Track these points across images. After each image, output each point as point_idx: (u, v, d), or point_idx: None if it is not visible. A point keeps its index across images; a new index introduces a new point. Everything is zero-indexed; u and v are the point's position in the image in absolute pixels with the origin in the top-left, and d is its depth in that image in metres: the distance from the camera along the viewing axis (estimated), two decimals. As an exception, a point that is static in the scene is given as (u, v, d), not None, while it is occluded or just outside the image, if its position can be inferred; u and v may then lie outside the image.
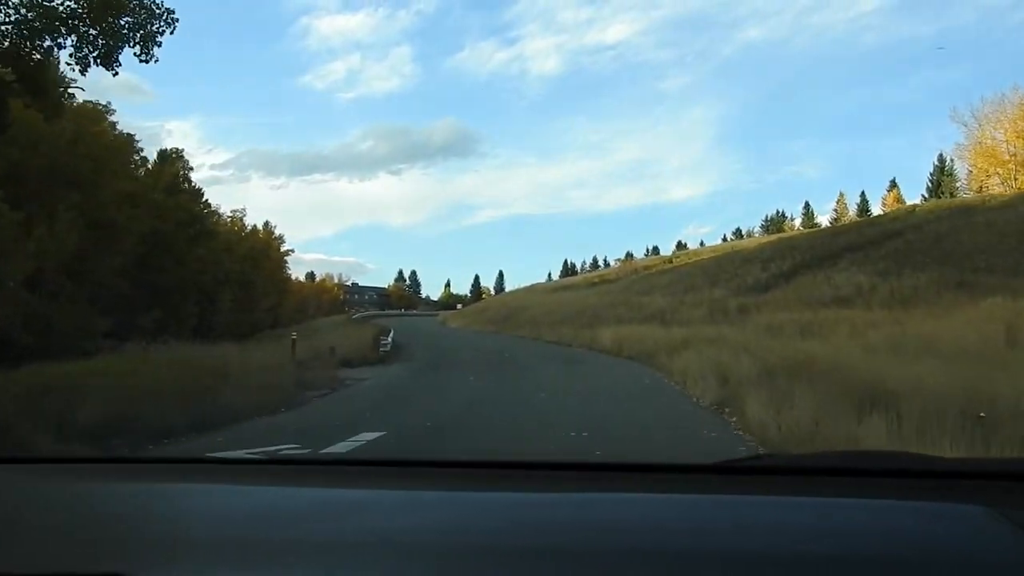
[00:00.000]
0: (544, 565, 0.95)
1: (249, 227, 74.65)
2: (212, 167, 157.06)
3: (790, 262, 34.95)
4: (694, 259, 59.02)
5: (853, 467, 1.38)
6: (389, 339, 30.59)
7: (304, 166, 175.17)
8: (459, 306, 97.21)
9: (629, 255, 75.08)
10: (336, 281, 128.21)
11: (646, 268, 64.25)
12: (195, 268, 42.05)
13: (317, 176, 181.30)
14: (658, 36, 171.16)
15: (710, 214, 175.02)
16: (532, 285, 72.28)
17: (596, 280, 64.21)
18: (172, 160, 42.66)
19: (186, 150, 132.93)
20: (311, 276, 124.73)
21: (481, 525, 1.12)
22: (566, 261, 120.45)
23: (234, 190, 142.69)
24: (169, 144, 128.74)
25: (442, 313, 66.72)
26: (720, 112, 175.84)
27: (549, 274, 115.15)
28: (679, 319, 29.03)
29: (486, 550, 1.00)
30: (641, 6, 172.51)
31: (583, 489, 1.33)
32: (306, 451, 6.34)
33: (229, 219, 72.85)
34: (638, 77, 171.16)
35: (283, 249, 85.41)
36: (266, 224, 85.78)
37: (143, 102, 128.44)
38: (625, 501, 1.24)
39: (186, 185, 44.88)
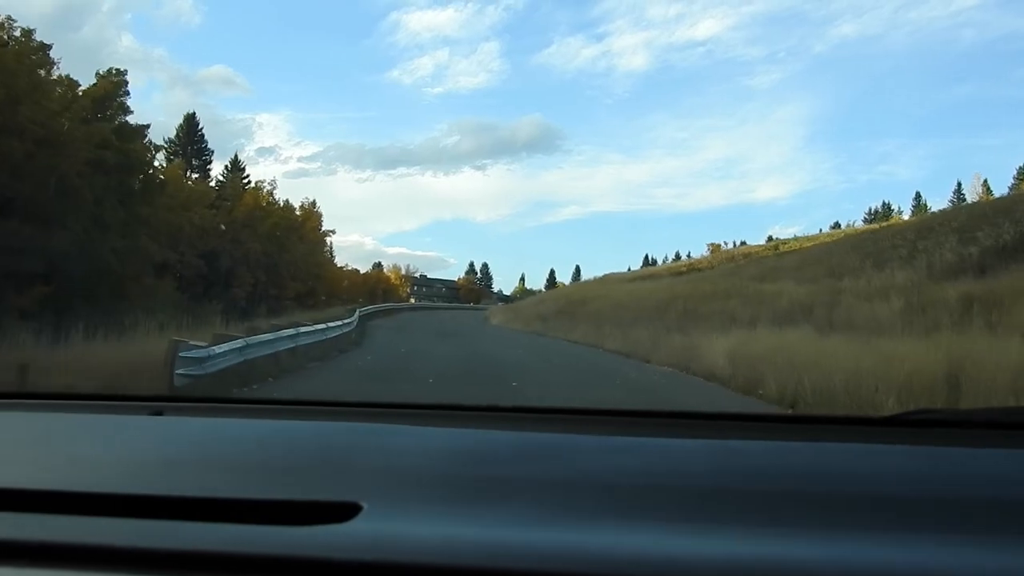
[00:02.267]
0: (716, 504, 0.99)
1: (280, 202, 63.42)
2: (300, 160, 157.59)
3: (1011, 231, 21.22)
4: (812, 243, 44.69)
5: (1016, 421, 1.39)
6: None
7: (389, 160, 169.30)
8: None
9: (718, 245, 60.68)
10: (404, 272, 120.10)
11: (745, 256, 50.05)
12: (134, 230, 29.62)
13: (402, 170, 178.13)
14: (749, 32, 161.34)
15: (797, 215, 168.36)
16: (604, 276, 58.29)
17: (684, 269, 50.40)
18: (104, 82, 30.27)
19: (277, 144, 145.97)
20: (378, 266, 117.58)
21: (678, 469, 1.14)
22: (647, 256, 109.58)
23: (321, 183, 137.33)
24: (261, 138, 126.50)
25: (492, 307, 54.09)
26: (810, 110, 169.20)
27: (628, 268, 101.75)
28: (851, 320, 15.89)
29: (684, 492, 1.03)
30: (732, 1, 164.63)
31: (752, 436, 1.36)
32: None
33: (250, 189, 61.84)
34: (727, 74, 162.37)
35: (323, 229, 74.94)
36: (311, 203, 75.68)
37: (237, 95, 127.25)
38: (824, 450, 1.25)
39: (125, 120, 32.19)
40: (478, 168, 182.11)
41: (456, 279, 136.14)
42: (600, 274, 57.65)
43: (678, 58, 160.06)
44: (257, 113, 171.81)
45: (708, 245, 57.02)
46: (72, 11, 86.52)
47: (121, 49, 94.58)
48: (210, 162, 62.66)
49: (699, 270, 47.72)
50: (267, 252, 58.23)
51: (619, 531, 0.91)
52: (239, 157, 67.64)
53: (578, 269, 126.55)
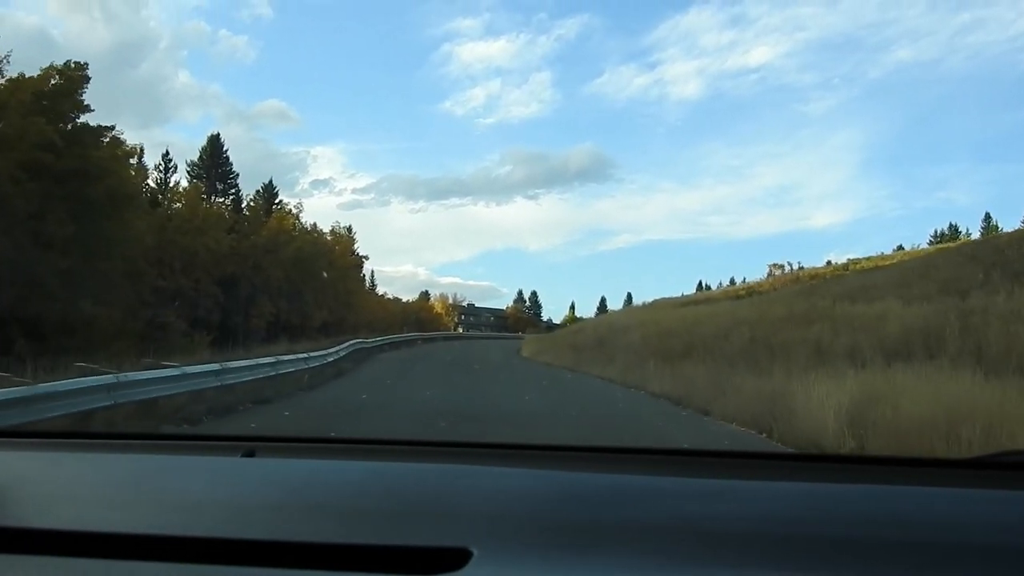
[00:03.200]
0: (821, 552, 0.97)
1: (308, 226, 59.33)
2: (354, 191, 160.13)
3: None
4: (889, 263, 38.50)
5: None
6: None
7: (442, 190, 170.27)
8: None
9: (780, 266, 54.44)
10: (451, 302, 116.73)
11: (812, 277, 44.01)
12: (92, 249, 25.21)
13: (454, 200, 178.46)
14: (802, 59, 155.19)
15: (852, 242, 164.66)
16: (653, 301, 52.12)
17: (742, 292, 44.51)
18: (52, 74, 25.43)
19: (331, 176, 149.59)
20: (425, 296, 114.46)
21: (777, 514, 1.11)
22: (700, 282, 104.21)
23: (375, 214, 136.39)
24: (315, 171, 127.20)
25: (528, 336, 48.78)
26: (865, 136, 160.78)
27: (682, 295, 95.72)
28: (1012, 349, 10.18)
29: (785, 538, 1.01)
30: (786, 28, 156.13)
31: (852, 481, 1.31)
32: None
33: (276, 214, 57.88)
34: (780, 101, 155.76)
35: (357, 254, 70.70)
36: (348, 230, 71.59)
37: (291, 128, 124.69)
38: (897, 494, 1.21)
39: (84, 122, 27.24)
40: (530, 198, 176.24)
41: (505, 308, 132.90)
42: (650, 299, 51.61)
43: (731, 85, 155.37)
44: (311, 146, 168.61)
45: (769, 266, 50.77)
46: (130, 48, 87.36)
47: (178, 85, 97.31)
48: (236, 185, 58.83)
49: (759, 293, 41.85)
50: (291, 279, 54.02)
51: None
52: (273, 182, 63.69)
53: (629, 296, 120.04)
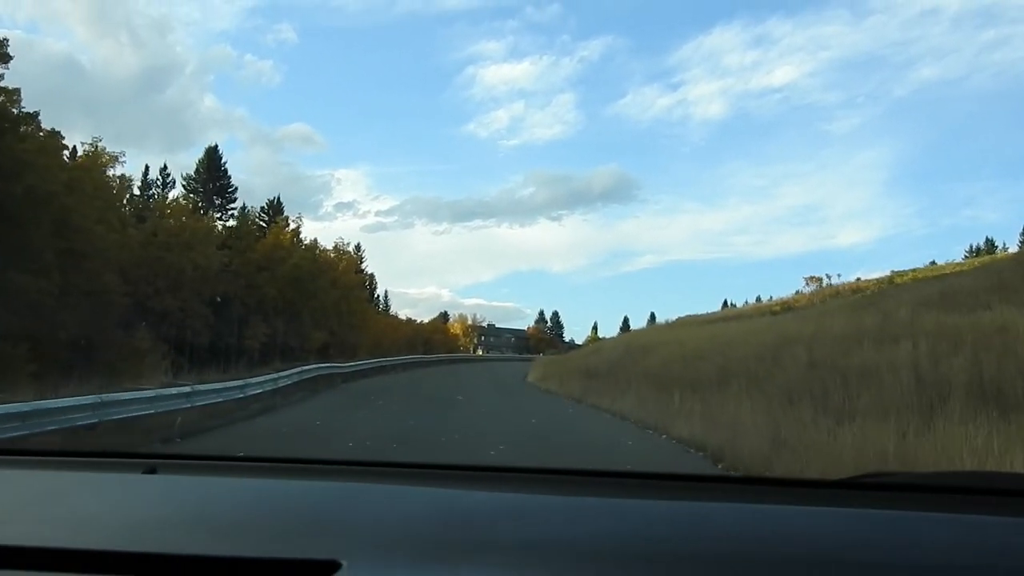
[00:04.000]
0: (689, 568, 1.00)
1: (308, 241, 55.43)
2: (378, 214, 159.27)
3: None
4: (935, 274, 33.72)
5: (975, 486, 1.39)
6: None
7: (466, 212, 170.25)
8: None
9: (818, 278, 49.46)
10: (471, 322, 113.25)
11: (855, 291, 39.21)
12: None
13: (478, 222, 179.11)
14: (826, 77, 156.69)
15: (878, 261, 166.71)
16: (677, 319, 47.25)
17: (777, 308, 39.79)
18: None
19: (355, 199, 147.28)
20: (444, 317, 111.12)
21: (645, 532, 1.15)
22: (725, 301, 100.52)
23: (399, 236, 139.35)
24: (339, 193, 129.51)
25: (539, 358, 44.13)
26: (891, 154, 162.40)
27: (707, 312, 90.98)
28: None
29: (651, 555, 1.04)
30: (809, 47, 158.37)
31: (716, 499, 1.37)
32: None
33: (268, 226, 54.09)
34: (804, 120, 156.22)
35: (363, 272, 66.70)
36: (356, 248, 67.63)
37: (316, 152, 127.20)
38: (764, 512, 1.25)
39: None
40: (554, 219, 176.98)
41: (526, 328, 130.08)
42: (673, 318, 46.75)
43: (755, 105, 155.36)
44: (336, 169, 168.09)
45: (805, 279, 46.04)
46: (158, 73, 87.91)
47: (203, 109, 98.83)
48: (235, 200, 55.12)
49: (796, 308, 37.14)
50: (287, 298, 50.07)
51: None
52: (281, 198, 60.15)
53: (653, 316, 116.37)
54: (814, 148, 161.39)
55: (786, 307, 39.38)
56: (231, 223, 52.88)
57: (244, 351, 47.45)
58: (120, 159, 41.30)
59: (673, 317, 44.55)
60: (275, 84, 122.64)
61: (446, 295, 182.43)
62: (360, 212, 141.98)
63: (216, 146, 56.87)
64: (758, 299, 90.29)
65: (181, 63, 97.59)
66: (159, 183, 54.67)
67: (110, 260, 37.33)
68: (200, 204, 53.04)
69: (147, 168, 53.90)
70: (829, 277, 46.21)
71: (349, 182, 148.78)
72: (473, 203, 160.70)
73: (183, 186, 54.78)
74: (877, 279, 45.63)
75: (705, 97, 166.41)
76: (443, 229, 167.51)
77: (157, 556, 1.01)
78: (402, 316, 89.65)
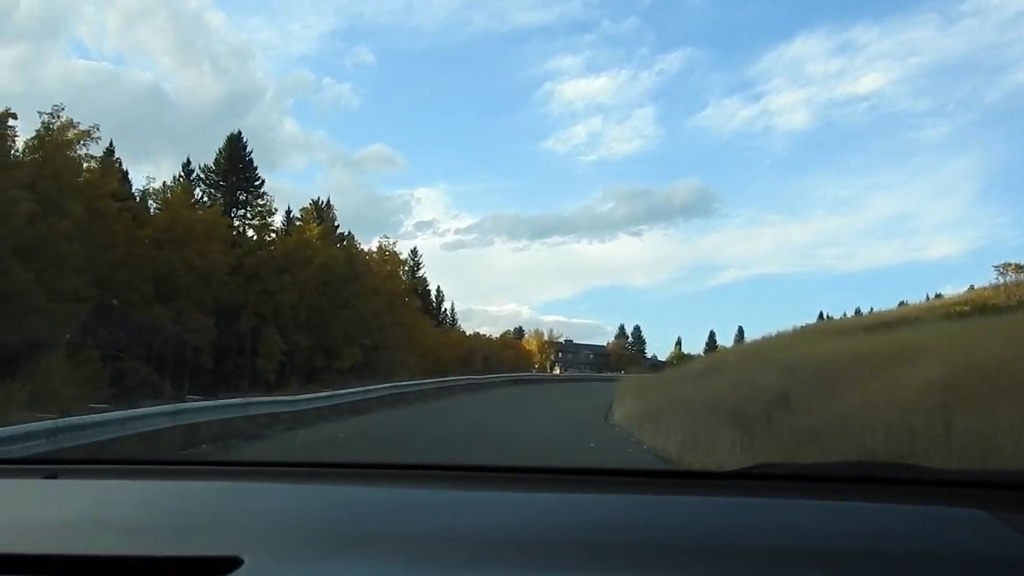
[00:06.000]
0: (571, 557, 1.02)
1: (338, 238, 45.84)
2: (457, 232, 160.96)
3: None
4: None
5: (857, 475, 1.44)
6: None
7: (544, 229, 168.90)
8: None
9: (1017, 265, 37.01)
10: (547, 338, 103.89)
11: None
12: None
13: (557, 238, 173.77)
14: (915, 84, 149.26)
15: (970, 273, 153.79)
16: (779, 334, 35.51)
17: (964, 307, 27.82)
18: None
19: (435, 218, 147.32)
20: (519, 333, 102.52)
21: (535, 523, 1.17)
22: (821, 313, 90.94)
23: (478, 254, 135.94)
24: (419, 212, 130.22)
25: (626, 380, 32.84)
26: (984, 162, 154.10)
27: (801, 326, 79.04)
28: None
29: (551, 546, 1.05)
30: (897, 54, 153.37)
31: (596, 491, 1.41)
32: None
33: (298, 221, 44.65)
34: (892, 129, 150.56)
35: (412, 277, 56.72)
36: (412, 253, 58.01)
37: (395, 172, 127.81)
38: (673, 503, 1.29)
39: None
40: (633, 234, 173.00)
41: (606, 344, 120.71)
42: (769, 332, 34.54)
43: (840, 114, 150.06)
44: (415, 188, 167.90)
45: (999, 267, 34.34)
46: (238, 99, 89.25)
47: (284, 133, 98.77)
48: (262, 195, 45.72)
49: (995, 306, 25.16)
50: (313, 307, 40.44)
51: None
52: (331, 200, 51.36)
53: (741, 331, 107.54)
54: (902, 157, 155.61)
55: (979, 304, 27.35)
56: (253, 221, 43.47)
57: (257, 372, 38.00)
58: (94, 134, 32.68)
59: (758, 333, 33.10)
60: (354, 106, 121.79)
61: (525, 312, 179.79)
62: (439, 231, 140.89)
63: (239, 133, 47.71)
64: (857, 311, 77.02)
65: (261, 88, 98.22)
66: (180, 177, 45.88)
67: (63, 258, 28.43)
68: (217, 198, 44.08)
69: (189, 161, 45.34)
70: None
71: (428, 201, 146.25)
72: (552, 219, 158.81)
73: (201, 179, 45.88)
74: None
75: (788, 107, 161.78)
76: (522, 246, 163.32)
77: (58, 557, 1.00)
78: (483, 333, 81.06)
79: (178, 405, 13.01)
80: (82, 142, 32.18)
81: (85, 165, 32.63)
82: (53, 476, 1.48)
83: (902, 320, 28.59)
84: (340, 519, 1.20)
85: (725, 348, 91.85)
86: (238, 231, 40.63)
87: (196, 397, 23.07)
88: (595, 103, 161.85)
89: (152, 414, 11.46)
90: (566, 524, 1.15)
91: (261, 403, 15.28)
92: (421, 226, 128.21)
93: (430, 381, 26.96)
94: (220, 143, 46.24)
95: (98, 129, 32.59)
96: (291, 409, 15.96)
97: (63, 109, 31.48)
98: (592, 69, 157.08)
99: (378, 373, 38.03)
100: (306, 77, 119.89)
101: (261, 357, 37.89)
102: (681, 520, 1.16)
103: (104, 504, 1.33)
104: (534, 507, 1.25)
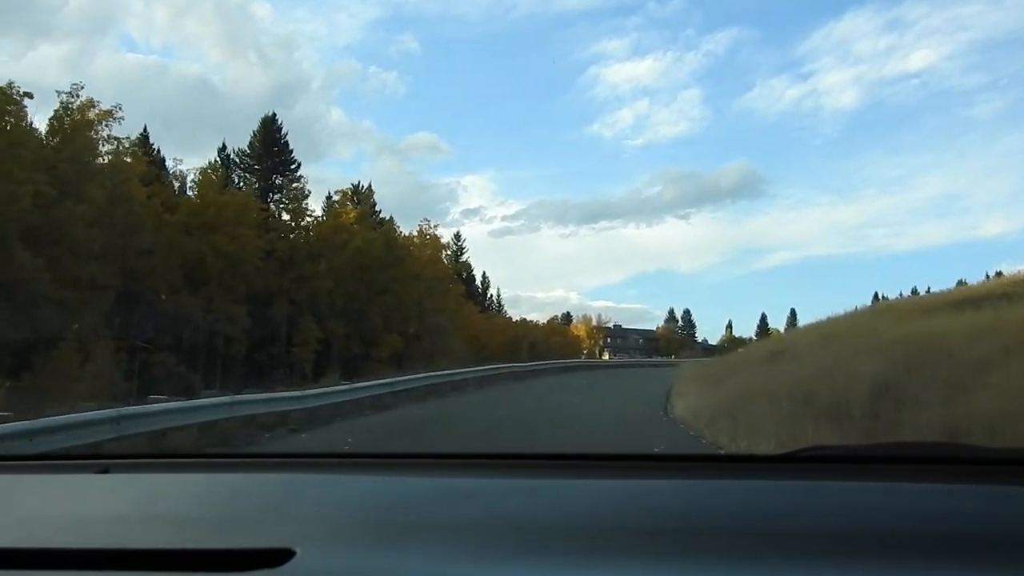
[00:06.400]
0: (623, 542, 1.02)
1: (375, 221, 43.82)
2: (504, 218, 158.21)
3: None
4: None
5: (906, 455, 1.43)
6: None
7: (591, 214, 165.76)
8: (740, 351, 67.85)
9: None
10: (595, 323, 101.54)
11: None
12: None
13: (604, 223, 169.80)
14: (966, 60, 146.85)
15: None
16: (853, 312, 32.38)
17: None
18: None
19: (481, 205, 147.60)
20: (566, 318, 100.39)
21: (585, 509, 1.16)
22: (876, 294, 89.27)
23: (525, 240, 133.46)
24: (465, 200, 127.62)
25: (685, 363, 29.63)
26: None
27: (856, 308, 76.08)
28: None
29: (591, 531, 1.06)
30: (947, 29, 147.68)
31: (648, 476, 1.38)
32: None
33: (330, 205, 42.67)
34: (943, 106, 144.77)
35: (453, 260, 54.49)
36: (457, 237, 55.73)
37: (442, 160, 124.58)
38: (701, 487, 1.28)
39: None
40: (681, 217, 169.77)
41: (655, 328, 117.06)
42: (819, 318, 31.25)
43: (890, 92, 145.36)
44: (461, 176, 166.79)
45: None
46: (286, 90, 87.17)
47: (331, 123, 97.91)
48: (299, 179, 43.86)
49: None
50: (348, 293, 38.54)
51: (531, 570, 0.97)
52: (372, 186, 49.35)
53: (794, 314, 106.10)
54: (954, 135, 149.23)
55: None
56: (288, 205, 41.65)
57: (293, 362, 36.25)
58: (116, 114, 31.05)
59: (822, 316, 29.92)
60: (400, 94, 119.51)
61: (574, 298, 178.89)
62: (486, 217, 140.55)
63: (274, 115, 45.93)
64: (914, 291, 72.75)
65: (308, 79, 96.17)
66: (216, 163, 44.26)
67: (80, 244, 26.86)
68: (252, 182, 42.43)
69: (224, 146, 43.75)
70: None
71: (475, 188, 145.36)
72: (599, 204, 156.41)
73: (235, 162, 44.27)
74: None
75: (837, 86, 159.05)
76: (569, 232, 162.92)
77: (111, 551, 1.02)
78: (531, 320, 78.96)
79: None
80: (104, 123, 30.56)
81: (108, 147, 31.01)
82: (106, 471, 1.47)
83: (988, 296, 25.40)
84: (393, 509, 1.19)
85: (778, 331, 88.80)
86: (272, 215, 38.76)
87: (212, 392, 21.24)
88: (641, 86, 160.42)
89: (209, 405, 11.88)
90: (617, 510, 1.15)
91: (258, 401, 13.09)
92: (468, 213, 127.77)
93: (469, 370, 24.71)
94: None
95: (120, 109, 30.88)
96: (300, 407, 13.88)
97: (82, 87, 29.90)
98: (638, 52, 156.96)
99: (417, 362, 36.02)
100: (352, 66, 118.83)
101: (296, 347, 36.13)
102: (734, 504, 1.15)
103: (156, 498, 1.33)
104: (586, 493, 1.24)
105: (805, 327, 28.92)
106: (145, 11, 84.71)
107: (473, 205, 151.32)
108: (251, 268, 34.59)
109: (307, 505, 1.25)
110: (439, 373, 21.78)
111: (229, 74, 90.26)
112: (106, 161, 30.88)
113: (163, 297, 31.65)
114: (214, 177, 36.88)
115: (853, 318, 28.14)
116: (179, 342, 32.20)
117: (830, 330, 23.65)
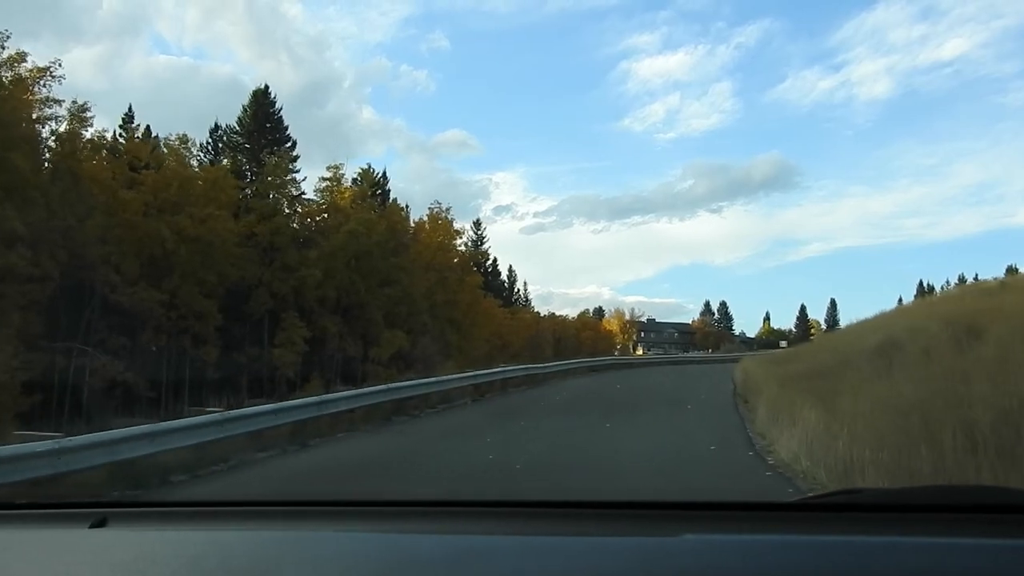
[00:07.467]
0: None
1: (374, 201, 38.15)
2: (536, 215, 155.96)
3: None
4: None
5: (946, 503, 1.29)
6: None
7: (623, 209, 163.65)
8: (783, 343, 64.95)
9: None
10: (628, 317, 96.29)
11: None
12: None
13: (636, 218, 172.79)
14: (1000, 48, 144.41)
15: None
16: (918, 300, 26.37)
17: None
18: None
19: (513, 201, 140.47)
20: (598, 313, 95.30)
21: (606, 571, 1.09)
22: (921, 282, 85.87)
23: (557, 236, 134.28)
24: (497, 197, 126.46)
25: (747, 362, 23.54)
26: None
27: (900, 299, 72.42)
28: None
29: None
30: (980, 17, 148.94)
31: (656, 533, 1.25)
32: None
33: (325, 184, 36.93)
34: (977, 94, 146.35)
35: (468, 247, 48.51)
36: (477, 224, 49.67)
37: (472, 156, 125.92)
38: (713, 543, 1.16)
39: None
40: (713, 211, 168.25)
41: (691, 321, 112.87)
42: (861, 314, 25.26)
43: (923, 81, 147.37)
44: (493, 172, 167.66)
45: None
46: (318, 90, 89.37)
47: (362, 121, 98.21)
48: (294, 158, 38.32)
49: None
50: (343, 285, 32.95)
51: None
52: (372, 166, 43.80)
53: (834, 304, 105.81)
54: (988, 123, 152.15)
55: None
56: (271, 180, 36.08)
57: (275, 365, 30.73)
58: (55, 71, 25.70)
59: (856, 310, 24.13)
60: (430, 92, 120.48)
61: (606, 293, 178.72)
62: (518, 214, 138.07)
63: (266, 87, 40.63)
64: (961, 279, 69.19)
65: (339, 78, 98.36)
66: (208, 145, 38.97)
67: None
68: (243, 162, 37.03)
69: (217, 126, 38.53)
70: None
71: (506, 185, 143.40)
72: (631, 199, 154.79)
73: (224, 140, 38.93)
74: None
75: (869, 76, 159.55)
76: (601, 227, 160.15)
77: None
78: (562, 315, 73.73)
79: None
80: (41, 81, 25.31)
81: (48, 111, 25.73)
82: (102, 522, 1.42)
83: None
84: (400, 566, 1.15)
85: (798, 330, 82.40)
86: (254, 194, 33.24)
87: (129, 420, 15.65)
88: (672, 80, 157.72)
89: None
90: (625, 568, 1.07)
91: (137, 436, 7.59)
92: (500, 210, 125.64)
93: (466, 374, 18.96)
94: (297, 134, 39.67)
95: (60, 65, 25.66)
96: (219, 436, 8.61)
97: (9, 36, 24.65)
98: (669, 46, 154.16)
99: (416, 363, 30.34)
100: (383, 65, 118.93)
101: (278, 347, 30.61)
102: (751, 562, 1.04)
103: (151, 558, 1.28)
104: (602, 551, 1.16)
105: (894, 313, 22.67)
106: (176, 12, 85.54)
107: (505, 202, 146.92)
108: (224, 255, 29.17)
109: (306, 565, 1.17)
110: (407, 383, 15.97)
111: (260, 74, 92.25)
112: (45, 129, 25.71)
113: (113, 290, 26.35)
114: (185, 152, 31.30)
115: (922, 306, 21.65)
116: (133, 343, 26.91)
117: (943, 311, 17.22)
